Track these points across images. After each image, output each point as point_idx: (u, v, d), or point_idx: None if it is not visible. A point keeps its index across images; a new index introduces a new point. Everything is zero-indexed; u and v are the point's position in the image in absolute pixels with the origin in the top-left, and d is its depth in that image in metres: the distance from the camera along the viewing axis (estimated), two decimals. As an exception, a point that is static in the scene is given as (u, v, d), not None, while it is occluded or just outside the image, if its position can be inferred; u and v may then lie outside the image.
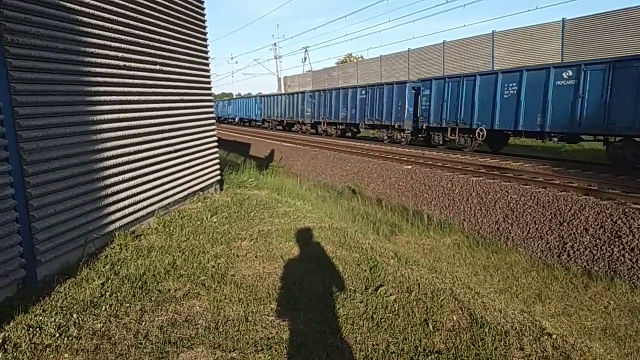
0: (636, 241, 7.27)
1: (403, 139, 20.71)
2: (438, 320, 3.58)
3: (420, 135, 19.62)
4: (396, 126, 20.74)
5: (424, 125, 18.60)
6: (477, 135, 15.90)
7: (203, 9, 7.76)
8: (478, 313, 3.72)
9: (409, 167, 14.18)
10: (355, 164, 16.25)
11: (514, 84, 14.32)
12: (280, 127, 35.68)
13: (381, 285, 4.16)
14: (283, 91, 47.10)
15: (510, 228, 9.26)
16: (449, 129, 17.47)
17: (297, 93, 32.04)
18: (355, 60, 46.11)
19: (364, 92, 23.46)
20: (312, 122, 29.61)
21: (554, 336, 3.48)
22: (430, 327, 3.48)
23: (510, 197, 9.86)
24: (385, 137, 21.99)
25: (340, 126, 26.19)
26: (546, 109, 13.29)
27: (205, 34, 7.85)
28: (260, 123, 39.51)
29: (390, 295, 3.98)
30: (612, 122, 11.68)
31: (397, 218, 10.96)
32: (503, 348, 3.26)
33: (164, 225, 5.75)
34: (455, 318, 3.64)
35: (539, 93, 13.53)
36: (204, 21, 7.80)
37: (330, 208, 9.74)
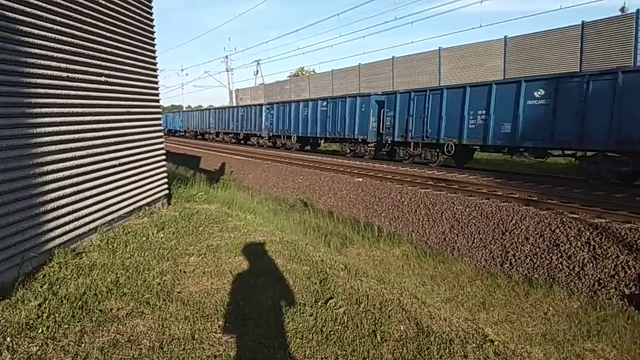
0: (573, 249, 7.68)
1: (367, 153, 20.55)
2: (386, 330, 3.64)
3: (384, 150, 19.52)
4: (360, 140, 20.61)
5: (389, 139, 18.42)
6: (445, 149, 15.75)
7: (152, 20, 7.63)
8: (424, 322, 3.81)
9: (360, 179, 14.39)
10: (307, 177, 16.31)
11: (483, 98, 14.17)
12: (235, 141, 35.12)
13: (331, 298, 4.18)
14: (235, 104, 46.75)
15: (456, 238, 9.56)
16: (413, 143, 17.21)
17: (254, 105, 31.70)
18: (307, 74, 46.52)
19: (324, 104, 23.25)
20: (271, 135, 29.10)
21: (496, 343, 3.61)
22: (379, 338, 3.53)
23: (456, 208, 10.20)
24: (348, 151, 21.96)
25: (300, 139, 26.09)
26: (517, 122, 13.23)
27: (153, 45, 7.71)
28: (214, 136, 38.66)
29: (340, 307, 4.01)
30: (587, 137, 11.62)
31: (348, 230, 11.08)
32: (448, 356, 3.35)
33: (107, 242, 5.54)
34: (402, 328, 3.72)
35: (509, 107, 13.46)
36: (152, 32, 7.66)
37: (281, 221, 9.71)
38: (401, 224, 11.07)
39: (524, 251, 8.27)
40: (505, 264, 8.33)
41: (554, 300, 6.97)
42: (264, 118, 29.71)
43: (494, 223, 9.19)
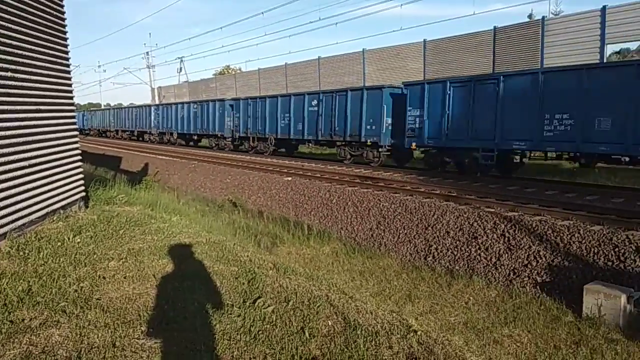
0: (490, 241, 8.16)
1: (375, 159, 16.97)
2: (314, 327, 3.68)
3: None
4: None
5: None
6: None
7: (63, 12, 7.16)
8: (351, 317, 3.89)
9: (289, 178, 14.41)
10: (235, 176, 16.09)
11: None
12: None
13: (259, 297, 4.16)
14: (157, 101, 45.09)
15: (382, 234, 9.84)
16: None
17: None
18: (233, 72, 45.86)
19: (315, 101, 19.48)
20: (237, 137, 25.24)
21: (419, 333, 3.76)
22: (307, 334, 3.55)
23: (382, 205, 10.50)
24: (348, 156, 18.24)
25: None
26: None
27: (66, 39, 7.24)
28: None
29: (268, 306, 3.99)
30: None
31: (278, 229, 11.06)
32: (374, 348, 3.44)
33: (17, 249, 5.12)
34: (330, 323, 3.77)
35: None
36: (64, 26, 7.20)
37: (209, 222, 9.50)
38: (330, 222, 11.22)
39: (446, 244, 8.68)
40: (429, 257, 8.69)
41: (474, 290, 7.36)
42: (152, 117, 34.18)
43: (418, 218, 9.56)
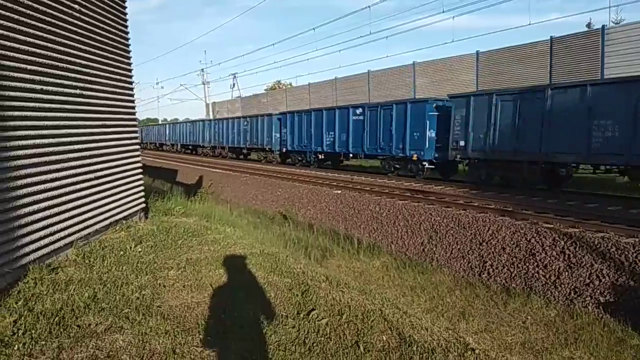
0: (549, 258, 7.83)
1: (420, 172, 16.61)
2: (369, 341, 3.65)
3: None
4: (414, 158, 16.60)
5: (458, 155, 14.81)
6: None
7: (127, 32, 7.58)
8: (406, 332, 3.83)
9: (339, 191, 14.43)
10: (286, 189, 16.29)
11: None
12: (234, 156, 32.16)
13: (313, 310, 4.17)
14: (211, 117, 46.54)
15: (434, 249, 9.65)
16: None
17: (259, 116, 28.43)
18: (284, 87, 46.68)
19: (360, 111, 19.28)
20: (285, 150, 24.97)
21: (477, 351, 3.65)
22: (362, 348, 3.53)
23: (434, 219, 10.31)
24: (392, 169, 17.99)
25: (326, 155, 22.10)
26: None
27: (129, 58, 7.66)
28: (208, 150, 36.51)
29: (322, 319, 4.00)
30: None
31: (328, 242, 11.07)
32: (430, 365, 3.37)
33: (83, 257, 5.41)
34: (385, 338, 3.73)
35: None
36: (128, 45, 7.61)
37: (261, 234, 9.66)
38: (380, 236, 11.13)
39: (501, 261, 8.40)
40: (484, 274, 8.44)
41: (532, 309, 7.07)
42: (205, 132, 35.94)
43: (471, 233, 9.31)
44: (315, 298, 4.49)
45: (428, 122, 15.97)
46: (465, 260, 8.93)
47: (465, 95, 15.01)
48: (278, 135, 25.62)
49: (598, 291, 6.92)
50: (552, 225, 8.66)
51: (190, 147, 40.43)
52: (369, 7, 26.42)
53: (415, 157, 16.47)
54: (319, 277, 5.30)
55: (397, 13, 73.73)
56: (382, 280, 8.59)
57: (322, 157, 22.17)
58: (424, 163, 16.33)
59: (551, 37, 19.49)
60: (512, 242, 8.56)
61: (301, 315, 4.05)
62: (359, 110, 19.26)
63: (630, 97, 10.45)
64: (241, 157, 31.70)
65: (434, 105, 16.13)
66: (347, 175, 18.26)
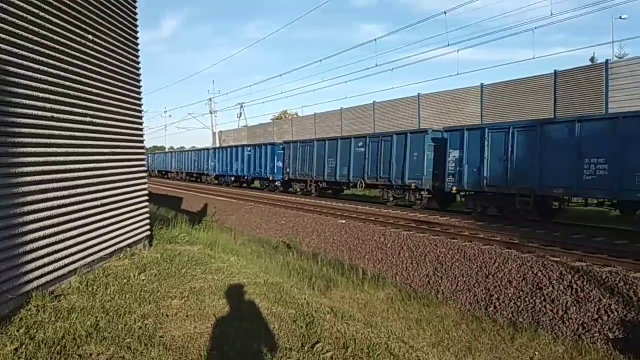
0: (556, 292, 7.71)
1: (418, 202, 16.90)
2: (374, 376, 3.57)
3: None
4: (412, 186, 16.86)
5: (453, 187, 15.03)
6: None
7: (138, 62, 7.73)
8: (413, 367, 3.75)
9: (343, 221, 14.38)
10: (290, 218, 16.26)
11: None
12: (238, 184, 31.88)
13: (317, 342, 4.10)
14: (217, 145, 46.88)
15: (440, 281, 9.54)
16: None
17: (262, 145, 28.41)
18: (290, 117, 47.15)
19: (360, 143, 19.66)
20: (287, 178, 25.38)
21: (485, 388, 3.56)
22: (367, 383, 3.45)
23: (439, 250, 10.23)
24: (391, 198, 18.26)
25: (328, 184, 22.43)
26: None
27: (139, 87, 7.79)
28: (212, 178, 36.02)
29: (327, 352, 3.93)
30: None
31: (332, 272, 10.97)
32: (438, 402, 3.28)
33: (86, 285, 5.37)
34: (391, 373, 3.65)
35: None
36: (138, 74, 7.75)
37: (265, 263, 9.58)
38: (385, 267, 11.02)
39: (508, 294, 8.27)
40: (490, 307, 8.30)
41: (540, 344, 6.92)
42: (209, 160, 35.99)
43: (477, 266, 9.21)
44: (319, 330, 4.42)
45: (426, 151, 16.38)
46: (471, 293, 8.80)
47: (459, 128, 15.40)
48: (280, 163, 25.95)
49: (607, 327, 6.78)
50: (558, 259, 8.57)
51: (194, 174, 40.59)
52: (374, 40, 26.96)
53: (413, 186, 16.76)
54: (323, 309, 5.23)
55: (402, 46, 75.02)
56: (387, 312, 8.46)
57: (324, 185, 22.45)
58: (422, 193, 16.61)
59: (555, 70, 19.71)
60: (518, 275, 8.45)
61: (305, 348, 3.98)
62: (360, 143, 19.68)
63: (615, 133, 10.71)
64: (244, 185, 31.89)
65: (431, 137, 16.56)
66: (351, 205, 18.23)
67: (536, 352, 6.69)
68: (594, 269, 7.79)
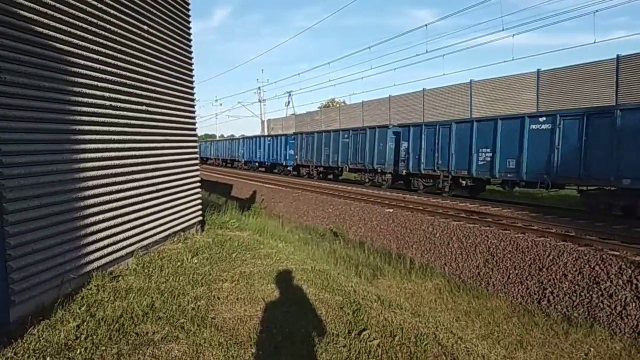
0: (614, 287, 7.36)
1: (384, 182, 21.00)
2: (422, 365, 3.55)
3: (399, 181, 21.03)
4: (378, 170, 21.13)
5: (404, 171, 18.97)
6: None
7: (191, 52, 7.92)
8: (462, 359, 3.70)
9: (391, 210, 14.27)
10: (337, 206, 16.29)
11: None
12: (263, 169, 36.28)
13: (364, 329, 4.11)
14: (266, 133, 47.57)
15: (490, 273, 9.30)
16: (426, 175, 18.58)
17: (279, 136, 33.21)
18: (337, 105, 47.04)
19: (346, 135, 24.08)
20: (296, 164, 29.44)
21: (537, 382, 3.46)
22: (415, 372, 3.44)
23: (490, 242, 9.96)
24: (367, 180, 22.30)
25: (326, 169, 26.61)
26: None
27: (192, 77, 7.99)
28: (242, 164, 40.92)
29: (374, 339, 3.93)
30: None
31: (379, 261, 10.93)
32: (487, 395, 3.22)
33: (143, 266, 5.63)
34: (439, 363, 3.61)
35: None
36: (191, 64, 7.95)
37: (312, 250, 9.68)
38: (433, 257, 10.86)
39: (562, 288, 7.96)
40: (543, 301, 8.02)
41: (595, 340, 6.64)
42: (240, 148, 40.95)
43: (530, 258, 8.91)
44: (366, 318, 4.43)
45: (388, 142, 20.52)
46: (523, 286, 8.54)
47: (407, 125, 19.42)
48: (292, 151, 30.12)
49: (671, 325, 6.41)
50: (618, 253, 8.15)
51: (228, 160, 45.93)
52: (425, 25, 26.41)
53: (379, 170, 21.05)
54: (370, 297, 5.23)
55: (454, 31, 72.88)
56: (435, 303, 8.35)
57: (322, 170, 26.51)
58: (387, 175, 20.78)
59: (618, 55, 18.58)
60: (574, 269, 8.11)
61: (352, 335, 4.00)
62: (345, 135, 23.92)
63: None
64: (266, 170, 35.61)
65: (392, 131, 20.56)
66: (399, 195, 18.05)
67: (591, 349, 6.42)
68: (657, 264, 7.36)
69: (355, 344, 3.82)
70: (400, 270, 10.18)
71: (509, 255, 9.30)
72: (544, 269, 8.49)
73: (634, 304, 6.96)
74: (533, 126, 13.41)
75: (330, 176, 27.04)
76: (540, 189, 13.72)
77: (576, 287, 7.82)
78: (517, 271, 8.88)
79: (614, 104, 17.44)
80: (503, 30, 27.70)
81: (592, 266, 7.93)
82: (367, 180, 22.25)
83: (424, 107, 28.31)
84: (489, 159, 14.90)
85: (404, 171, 18.89)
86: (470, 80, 25.31)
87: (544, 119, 13.10)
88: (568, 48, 67.25)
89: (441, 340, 4.03)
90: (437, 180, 17.29)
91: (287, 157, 30.79)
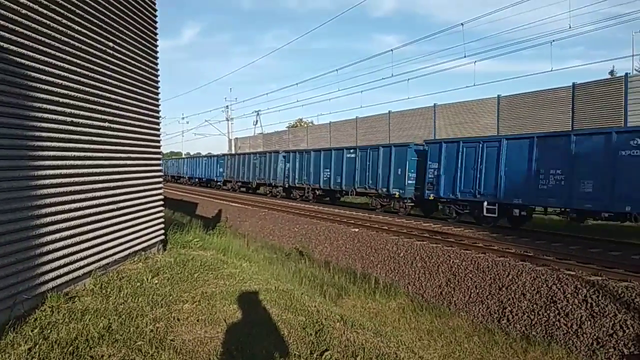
0: (570, 306, 7.60)
1: (401, 210, 18.12)
2: (382, 386, 3.56)
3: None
4: (396, 195, 18.06)
5: (432, 195, 16.12)
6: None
7: (157, 70, 7.87)
8: (421, 378, 3.73)
9: (356, 230, 14.36)
10: (303, 225, 16.28)
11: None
12: (244, 189, 33.59)
13: (326, 350, 4.11)
14: (234, 152, 47.28)
15: (452, 292, 9.46)
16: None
17: (267, 153, 29.93)
18: (305, 125, 47.32)
19: (351, 152, 20.97)
20: (288, 185, 26.19)
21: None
22: (375, 393, 3.45)
23: (452, 261, 10.15)
24: (379, 206, 19.34)
25: (324, 192, 23.60)
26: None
27: (157, 94, 7.92)
28: (220, 184, 37.79)
29: (335, 360, 3.93)
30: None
31: (344, 281, 10.95)
32: (446, 414, 3.26)
33: (100, 287, 5.46)
34: (399, 383, 3.63)
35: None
36: (157, 82, 7.89)
37: (277, 270, 9.61)
38: (397, 276, 10.97)
39: (521, 307, 8.17)
40: (503, 320, 8.20)
41: (553, 358, 6.83)
42: (217, 166, 37.89)
43: (491, 278, 9.12)
44: (329, 338, 4.42)
45: (409, 162, 17.67)
46: (484, 305, 8.71)
47: (438, 141, 16.61)
48: (282, 171, 27.23)
49: (622, 342, 6.66)
50: (574, 273, 8.45)
51: (204, 180, 42.56)
52: (391, 50, 27.04)
53: (397, 195, 18.05)
54: (333, 317, 5.23)
55: (418, 57, 74.86)
56: (398, 322, 8.41)
57: (320, 193, 23.66)
58: (406, 201, 17.89)
59: (574, 83, 19.49)
60: (532, 288, 8.34)
61: (314, 356, 3.99)
62: (352, 152, 20.99)
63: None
64: (250, 190, 33.19)
65: (414, 150, 17.86)
66: (365, 214, 18.20)
67: (550, 367, 6.59)
68: (609, 284, 7.66)
69: (317, 365, 3.81)
70: (364, 290, 10.22)
71: (470, 275, 9.49)
72: (504, 288, 8.70)
73: (589, 323, 7.20)
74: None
75: (327, 198, 24.21)
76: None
77: (534, 306, 8.04)
78: (478, 290, 9.06)
79: (571, 129, 18.20)
80: (465, 57, 28.84)
81: (549, 285, 8.18)
82: (378, 206, 19.31)
83: (390, 128, 28.82)
84: (561, 181, 11.99)
85: (432, 196, 16.04)
86: (434, 104, 26.00)
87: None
88: (526, 75, 70.25)
89: (402, 359, 4.07)
90: (476, 208, 14.46)
91: (218, 174, 34.06)
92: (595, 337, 6.95)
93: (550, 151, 12.45)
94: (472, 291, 9.15)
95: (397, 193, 17.95)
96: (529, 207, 13.36)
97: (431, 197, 16.12)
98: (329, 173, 22.25)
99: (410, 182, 17.53)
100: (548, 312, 7.77)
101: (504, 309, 8.35)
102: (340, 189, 21.61)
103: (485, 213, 13.87)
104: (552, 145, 12.47)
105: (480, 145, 14.37)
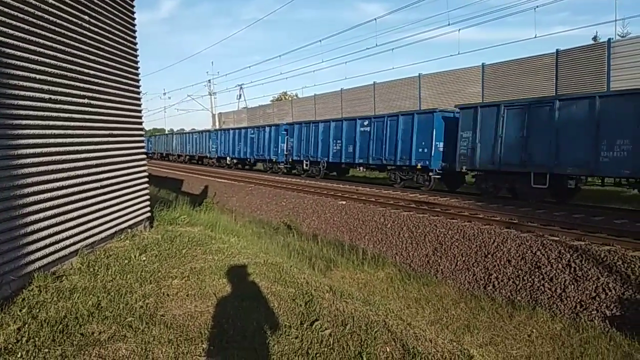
0: (554, 271, 7.78)
1: (426, 183, 16.62)
2: (372, 352, 3.62)
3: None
4: (418, 166, 16.59)
5: (464, 167, 14.67)
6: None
7: (135, 43, 7.68)
8: (410, 344, 3.81)
9: (344, 202, 14.43)
10: (290, 199, 16.30)
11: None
12: (240, 166, 32.66)
13: (316, 320, 4.16)
14: (217, 127, 46.81)
15: (439, 261, 9.61)
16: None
17: (266, 126, 28.37)
18: (290, 98, 46.92)
19: (366, 123, 19.45)
20: (291, 160, 25.40)
21: (481, 363, 3.62)
22: (365, 359, 3.51)
23: (439, 230, 10.28)
24: (399, 180, 17.89)
25: (332, 166, 22.24)
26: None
27: (137, 68, 7.74)
28: (214, 161, 35.85)
29: (326, 329, 3.98)
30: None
31: (332, 253, 11.04)
32: (434, 377, 3.34)
33: (88, 265, 5.43)
34: (388, 349, 3.70)
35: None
36: (136, 56, 7.70)
37: (265, 244, 9.65)
38: (385, 247, 11.09)
39: (507, 273, 8.34)
40: (489, 286, 8.38)
41: (537, 322, 7.01)
42: (211, 142, 36.09)
43: (477, 246, 9.27)
44: (318, 308, 4.47)
45: (435, 131, 15.95)
46: (470, 273, 8.88)
47: (472, 106, 14.78)
48: (284, 145, 25.83)
49: (604, 305, 6.86)
50: (557, 238, 8.61)
51: (196, 157, 40.51)
52: (374, 19, 26.82)
53: (419, 166, 16.45)
54: (322, 288, 5.28)
55: (402, 25, 74.19)
56: (387, 291, 8.55)
57: (328, 167, 22.33)
58: (430, 173, 16.21)
59: (557, 49, 19.53)
60: (517, 255, 8.51)
61: (304, 326, 4.04)
62: (366, 122, 19.34)
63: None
64: (246, 167, 32.05)
65: (441, 117, 16.14)
66: (352, 187, 18.26)
67: (534, 330, 6.77)
68: (592, 248, 7.83)
69: (307, 334, 3.86)
70: (353, 261, 10.34)
71: (457, 244, 9.63)
72: (489, 256, 8.86)
73: (572, 287, 7.38)
74: None
75: (334, 173, 23.11)
76: None
77: (519, 272, 8.21)
78: (464, 258, 9.22)
79: (554, 94, 18.30)
80: (449, 25, 28.50)
81: (533, 252, 8.34)
82: (398, 180, 17.83)
83: (375, 100, 28.72)
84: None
85: (464, 168, 14.61)
86: (419, 73, 25.90)
87: None
88: (511, 42, 70.04)
89: (391, 327, 4.14)
90: (521, 180, 12.94)
91: (279, 152, 26.32)
92: (578, 300, 7.14)
93: (618, 111, 10.82)
94: (459, 259, 9.30)
95: (420, 165, 16.38)
96: (588, 177, 12.46)
97: (464, 170, 14.74)
98: (340, 145, 20.78)
99: (436, 152, 15.90)
100: (533, 277, 7.95)
101: (490, 275, 8.52)
102: (352, 162, 20.17)
103: (533, 184, 12.47)
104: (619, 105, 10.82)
105: (528, 107, 12.73)
